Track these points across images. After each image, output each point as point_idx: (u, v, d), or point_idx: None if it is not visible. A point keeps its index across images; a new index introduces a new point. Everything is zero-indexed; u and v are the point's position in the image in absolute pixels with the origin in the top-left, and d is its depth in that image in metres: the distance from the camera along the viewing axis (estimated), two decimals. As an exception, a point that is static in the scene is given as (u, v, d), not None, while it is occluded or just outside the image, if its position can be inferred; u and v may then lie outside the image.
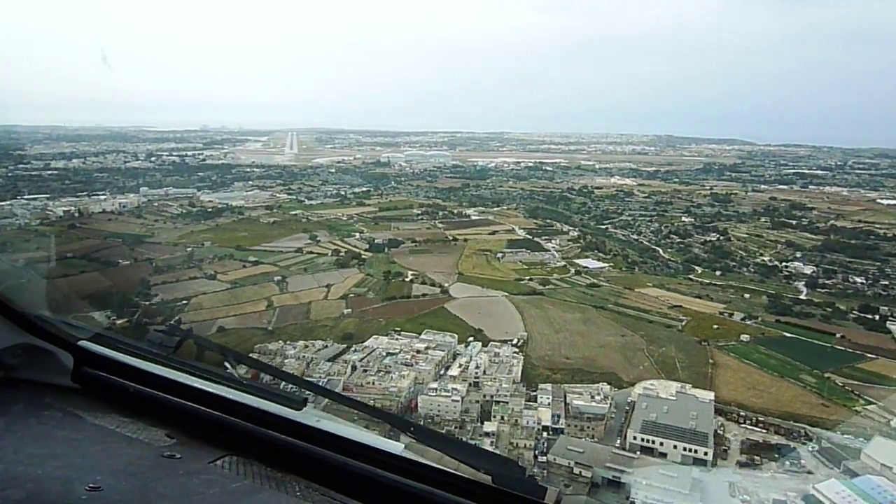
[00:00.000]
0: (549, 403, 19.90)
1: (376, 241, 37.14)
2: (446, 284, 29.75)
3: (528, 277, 31.12)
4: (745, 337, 25.37)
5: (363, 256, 34.79)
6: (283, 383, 2.08)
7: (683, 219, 45.67)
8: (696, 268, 37.27)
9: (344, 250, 35.96)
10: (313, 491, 1.55)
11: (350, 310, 27.35)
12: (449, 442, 1.84)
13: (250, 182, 60.72)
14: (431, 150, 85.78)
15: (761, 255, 38.48)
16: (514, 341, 23.87)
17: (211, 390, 1.87)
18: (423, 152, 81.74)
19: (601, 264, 34.12)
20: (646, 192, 53.87)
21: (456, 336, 23.37)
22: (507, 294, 28.60)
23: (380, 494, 1.56)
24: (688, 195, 52.37)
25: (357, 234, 39.07)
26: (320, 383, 17.26)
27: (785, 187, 58.34)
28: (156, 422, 1.81)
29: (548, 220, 43.88)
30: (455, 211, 45.25)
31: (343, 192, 53.64)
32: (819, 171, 67.41)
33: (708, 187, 55.49)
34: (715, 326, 26.15)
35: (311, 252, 36.16)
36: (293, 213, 45.34)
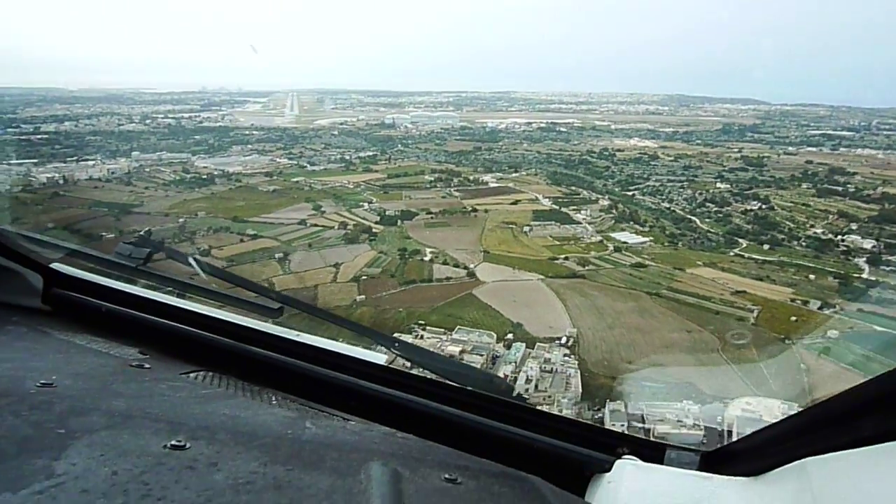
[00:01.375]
0: (623, 428, 15.57)
1: (387, 212, 32.38)
2: (472, 265, 25.24)
3: (562, 256, 26.67)
4: (832, 333, 21.10)
5: (374, 230, 30.12)
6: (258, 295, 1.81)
7: (718, 185, 40.86)
8: (740, 240, 32.79)
9: (352, 223, 31.27)
10: (291, 401, 1.48)
11: (363, 296, 22.97)
12: (435, 358, 1.73)
13: (249, 146, 55.47)
14: (437, 110, 79.98)
15: (812, 226, 33.94)
16: (563, 340, 19.59)
17: (186, 306, 1.83)
18: (430, 113, 76.01)
19: (641, 238, 29.61)
20: (670, 154, 48.85)
21: (494, 336, 19.07)
22: (542, 277, 24.23)
23: (360, 404, 1.51)
24: (716, 158, 47.42)
25: (366, 205, 34.28)
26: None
27: (814, 149, 53.28)
28: (129, 340, 1.72)
29: (573, 188, 39.12)
30: (471, 177, 40.26)
31: (348, 157, 48.59)
32: (845, 133, 62.47)
33: (735, 150, 50.45)
34: (793, 318, 21.92)
35: (316, 225, 31.50)
36: (294, 180, 40.50)
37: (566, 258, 26.30)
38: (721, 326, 20.74)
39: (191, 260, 1.85)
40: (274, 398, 1.48)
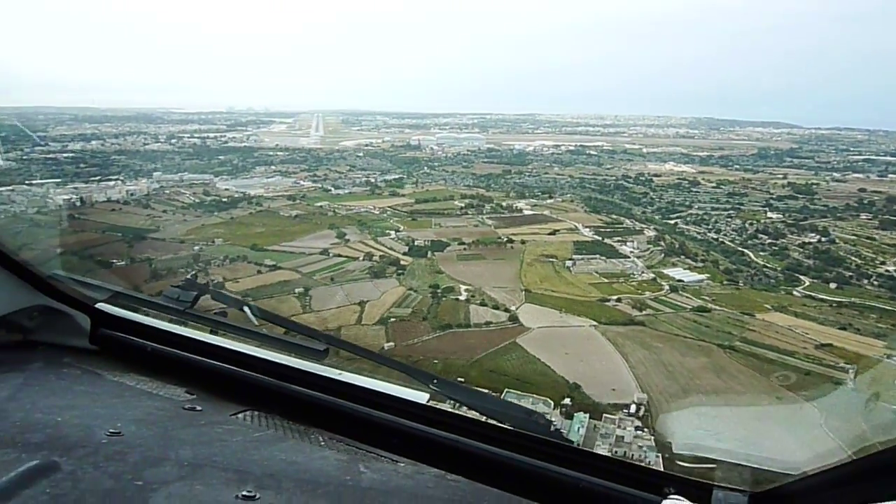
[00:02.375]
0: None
1: (416, 242, 29.27)
2: (513, 307, 21.92)
3: (613, 296, 23.28)
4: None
5: (402, 262, 26.97)
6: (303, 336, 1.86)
7: (769, 214, 37.19)
8: (802, 277, 29.12)
9: (378, 253, 28.17)
10: (338, 441, 1.51)
11: (392, 343, 19.72)
12: (473, 393, 1.72)
13: (272, 167, 53.11)
14: (463, 132, 77.17)
15: (881, 262, 30.10)
16: (632, 408, 16.10)
17: (230, 346, 1.85)
18: (455, 135, 73.29)
19: (696, 276, 26.11)
20: (711, 180, 45.28)
21: (551, 403, 15.59)
22: (595, 323, 20.83)
23: (404, 443, 1.51)
24: (761, 185, 43.75)
25: (393, 233, 31.21)
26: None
27: (861, 175, 49.37)
28: (176, 379, 1.77)
29: (613, 216, 35.73)
30: (504, 204, 37.02)
31: (373, 180, 45.78)
32: (889, 158, 58.43)
33: (779, 175, 46.72)
34: (899, 382, 18.33)
35: (340, 255, 28.47)
36: (318, 204, 37.61)
37: (618, 299, 22.86)
38: (817, 392, 17.09)
39: (246, 309, 1.82)
40: (321, 438, 1.50)
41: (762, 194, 41.85)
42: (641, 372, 17.74)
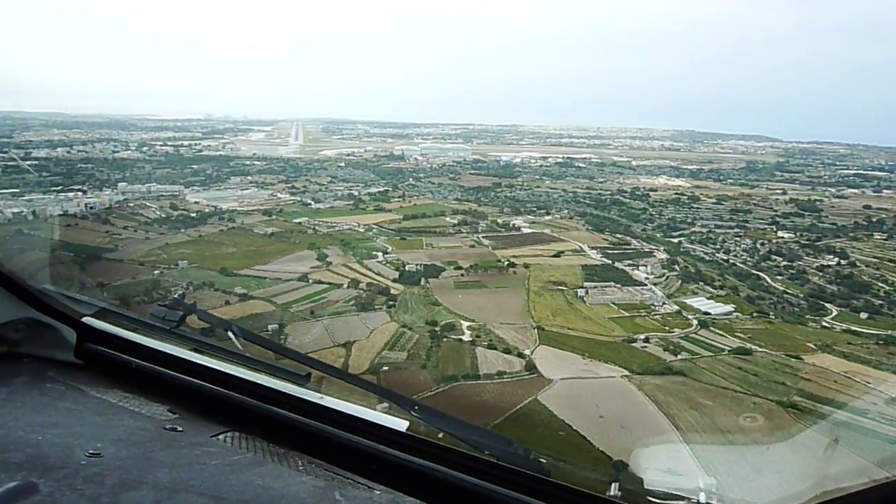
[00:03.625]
0: None
1: (408, 266, 25.30)
2: (527, 350, 18.05)
3: (639, 335, 19.65)
4: None
5: (392, 291, 23.02)
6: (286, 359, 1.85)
7: (780, 234, 34.12)
8: (828, 306, 25.87)
9: (365, 280, 24.11)
10: (316, 466, 1.49)
11: (387, 403, 15.91)
12: (453, 421, 1.70)
13: (249, 177, 48.83)
14: (447, 143, 73.36)
15: (912, 288, 27.09)
16: (701, 498, 12.41)
17: (214, 366, 1.82)
18: (440, 145, 69.54)
19: (723, 307, 22.62)
20: (709, 195, 42.26)
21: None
22: (627, 373, 17.04)
23: (383, 470, 1.50)
24: (762, 201, 40.85)
25: (380, 255, 27.22)
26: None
27: (856, 191, 46.85)
28: (158, 397, 1.75)
29: (618, 236, 32.29)
30: (499, 221, 33.28)
31: (356, 193, 41.72)
32: (878, 172, 56.46)
33: (779, 190, 43.91)
34: None
35: (321, 281, 24.37)
36: (296, 220, 33.49)
37: (646, 339, 19.20)
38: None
39: (229, 332, 1.82)
40: (300, 463, 1.48)
41: (765, 211, 38.91)
42: (699, 445, 14.05)
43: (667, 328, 20.28)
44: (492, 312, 20.97)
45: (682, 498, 1.71)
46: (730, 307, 22.76)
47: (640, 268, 26.05)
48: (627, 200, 41.77)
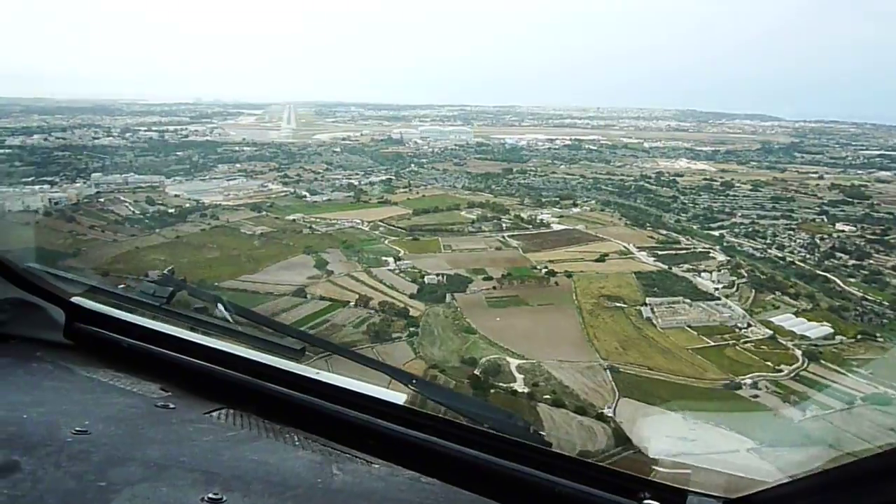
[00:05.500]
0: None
1: (426, 277, 19.84)
2: (607, 409, 12.70)
3: (741, 376, 14.45)
4: None
5: (412, 312, 17.70)
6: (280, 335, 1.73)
7: (838, 226, 29.07)
8: (920, 316, 20.92)
9: (377, 296, 18.68)
10: (313, 441, 1.42)
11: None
12: (452, 395, 1.61)
13: (237, 165, 42.86)
14: (447, 125, 67.24)
15: None
16: None
17: (207, 343, 1.72)
18: (440, 127, 63.53)
19: (819, 328, 17.28)
20: (741, 180, 37.06)
21: None
22: (754, 445, 12.09)
23: (380, 444, 1.43)
24: (801, 186, 35.75)
25: (391, 261, 21.72)
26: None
27: (888, 174, 41.90)
28: (151, 376, 1.66)
29: (661, 231, 27.05)
30: (523, 216, 27.82)
31: (356, 182, 36.06)
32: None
33: (814, 174, 38.83)
34: None
35: (322, 297, 18.93)
36: (290, 217, 27.84)
37: (753, 383, 14.03)
38: None
39: (219, 306, 1.72)
40: (296, 438, 1.41)
41: (808, 198, 33.92)
42: None
43: (769, 363, 15.16)
44: (542, 343, 15.75)
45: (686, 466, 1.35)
46: (826, 327, 17.70)
47: (703, 274, 20.89)
48: (653, 187, 36.52)
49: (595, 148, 51.91)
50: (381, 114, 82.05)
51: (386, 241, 24.19)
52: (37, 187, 33.19)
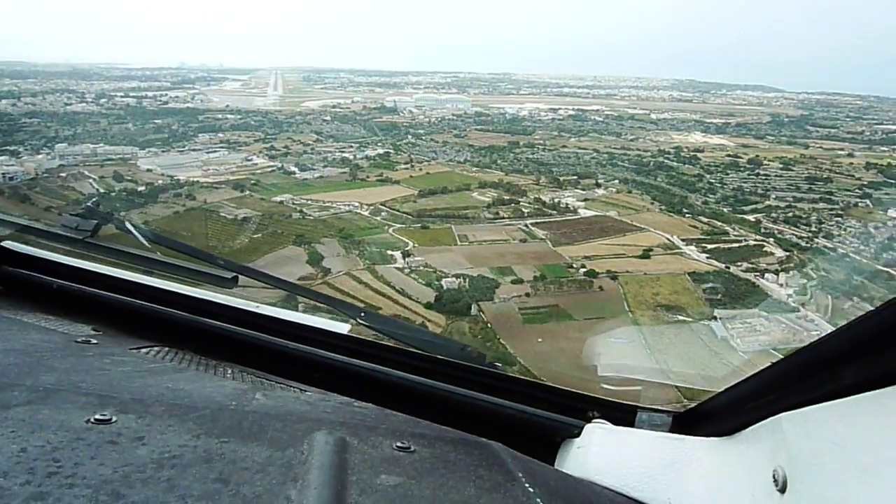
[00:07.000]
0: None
1: (443, 280, 15.83)
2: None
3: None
4: None
5: (431, 328, 13.94)
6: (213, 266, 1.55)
7: (893, 214, 25.49)
8: None
9: (385, 305, 14.75)
10: (248, 374, 1.32)
11: None
12: (403, 328, 1.47)
13: (220, 134, 38.15)
14: (442, 93, 61.97)
15: None
16: None
17: (141, 280, 1.60)
18: (435, 96, 58.37)
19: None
20: (767, 157, 33.22)
21: None
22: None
23: (321, 374, 1.34)
24: (833, 165, 32.05)
25: (398, 256, 17.70)
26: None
27: (912, 148, 38.42)
28: (83, 317, 1.51)
29: (702, 218, 23.21)
30: (545, 199, 23.68)
31: (350, 156, 31.60)
32: (918, 129, 48.55)
33: (841, 151, 35.16)
34: None
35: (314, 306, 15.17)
36: (278, 199, 23.48)
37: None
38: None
39: (129, 226, 1.58)
40: (230, 371, 1.31)
41: (846, 179, 30.24)
42: None
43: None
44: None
45: (634, 382, 1.31)
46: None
47: (767, 276, 17.12)
48: (674, 164, 32.57)
49: (601, 119, 47.69)
50: (373, 80, 75.98)
51: (390, 230, 20.07)
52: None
